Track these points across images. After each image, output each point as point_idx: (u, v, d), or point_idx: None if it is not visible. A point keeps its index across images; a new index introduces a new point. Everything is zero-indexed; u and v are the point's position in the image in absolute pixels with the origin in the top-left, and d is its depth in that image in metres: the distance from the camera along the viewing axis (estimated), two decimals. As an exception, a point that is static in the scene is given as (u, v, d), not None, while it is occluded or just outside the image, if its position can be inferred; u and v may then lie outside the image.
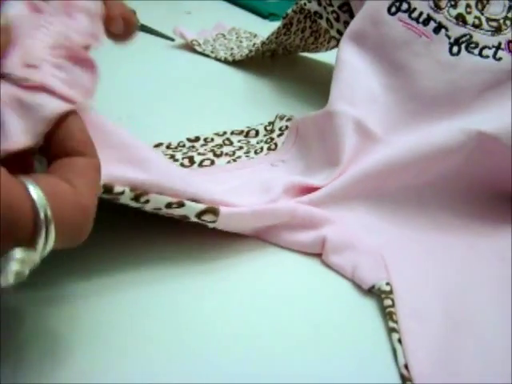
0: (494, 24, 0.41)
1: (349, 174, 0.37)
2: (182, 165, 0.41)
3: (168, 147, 0.43)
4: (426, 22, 0.41)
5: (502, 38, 0.40)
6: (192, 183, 0.31)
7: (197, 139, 0.45)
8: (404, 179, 0.38)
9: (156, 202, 0.29)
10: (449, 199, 0.38)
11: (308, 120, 0.44)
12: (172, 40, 0.73)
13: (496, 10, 0.42)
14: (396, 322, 0.29)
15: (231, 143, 0.46)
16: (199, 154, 0.42)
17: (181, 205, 0.30)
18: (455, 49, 0.41)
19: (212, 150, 0.43)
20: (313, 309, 0.31)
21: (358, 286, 0.32)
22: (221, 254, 0.33)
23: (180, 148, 0.43)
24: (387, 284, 0.31)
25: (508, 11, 0.41)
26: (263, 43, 0.62)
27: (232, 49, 0.71)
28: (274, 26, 0.85)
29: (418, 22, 0.41)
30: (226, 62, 0.67)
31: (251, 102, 0.58)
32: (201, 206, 0.30)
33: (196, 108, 0.55)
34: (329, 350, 0.28)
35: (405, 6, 0.42)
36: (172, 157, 0.41)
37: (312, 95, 0.59)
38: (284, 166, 0.42)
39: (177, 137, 0.46)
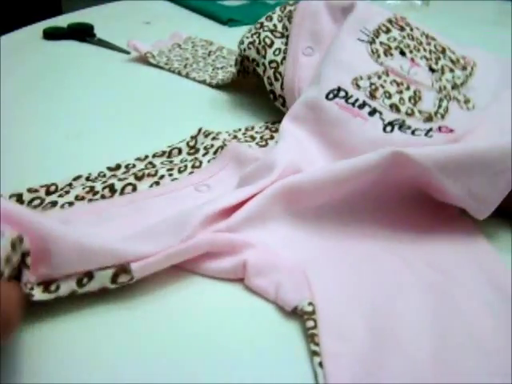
0: (425, 115, 0.45)
1: (263, 194, 0.37)
2: (103, 196, 0.39)
3: (88, 179, 0.42)
4: (361, 106, 0.44)
5: (434, 124, 0.44)
6: (92, 246, 0.30)
7: (118, 167, 0.44)
8: (321, 196, 0.38)
9: (67, 287, 0.29)
10: (369, 210, 0.38)
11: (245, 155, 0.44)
12: (127, 53, 0.73)
13: (427, 105, 0.45)
14: (318, 344, 0.29)
15: (153, 166, 0.44)
16: (119, 179, 0.41)
17: (90, 277, 0.30)
18: (388, 128, 0.43)
19: (133, 174, 0.42)
20: (235, 335, 0.30)
21: (282, 309, 0.32)
22: (144, 287, 0.32)
23: (100, 178, 0.42)
24: (309, 304, 0.31)
25: (439, 107, 0.45)
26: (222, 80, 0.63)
27: (187, 59, 0.70)
28: (232, 31, 0.86)
29: (353, 106, 0.44)
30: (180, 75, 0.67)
31: (204, 116, 0.57)
32: (109, 272, 0.30)
33: (146, 125, 0.54)
34: (251, 377, 0.28)
35: (342, 93, 0.45)
36: (91, 189, 0.40)
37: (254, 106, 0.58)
38: (208, 193, 0.41)
39: (124, 155, 0.45)
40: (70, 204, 0.38)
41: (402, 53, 0.49)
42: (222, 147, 0.45)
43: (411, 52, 0.49)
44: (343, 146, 0.43)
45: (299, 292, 0.32)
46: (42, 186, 0.40)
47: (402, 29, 0.51)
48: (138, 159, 0.45)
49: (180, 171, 0.43)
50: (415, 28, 0.52)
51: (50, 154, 0.48)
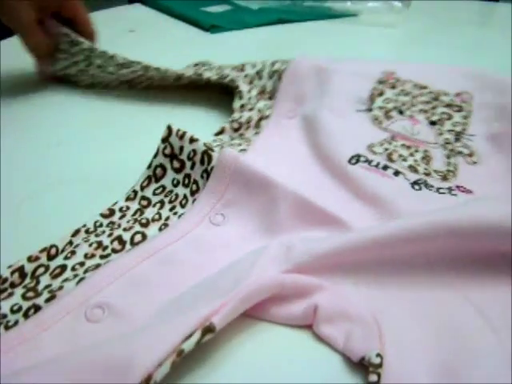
0: (441, 174, 0.46)
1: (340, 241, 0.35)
2: (114, 250, 0.37)
3: (88, 232, 0.39)
4: (384, 168, 0.45)
5: (451, 183, 0.45)
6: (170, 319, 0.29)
7: (112, 213, 0.41)
8: (398, 250, 0.36)
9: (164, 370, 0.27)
10: (443, 261, 0.36)
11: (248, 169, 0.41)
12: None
13: (439, 165, 0.47)
14: None
15: (148, 201, 0.42)
16: (125, 229, 0.38)
17: (180, 352, 0.27)
18: (416, 186, 0.44)
19: (136, 220, 0.40)
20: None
21: (350, 361, 0.31)
22: (211, 343, 0.31)
23: (100, 229, 0.39)
24: (377, 355, 0.29)
25: (448, 165, 0.47)
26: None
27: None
28: (215, 38, 0.87)
29: (377, 168, 0.45)
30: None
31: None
32: (196, 338, 0.28)
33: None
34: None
35: (363, 158, 0.46)
36: (99, 244, 0.37)
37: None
38: (226, 225, 0.39)
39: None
40: (82, 264, 0.36)
41: (401, 112, 0.52)
42: (206, 153, 0.42)
43: (408, 109, 0.52)
44: (381, 199, 0.42)
45: (369, 342, 0.30)
46: (41, 251, 0.36)
47: (393, 86, 0.54)
48: (128, 199, 0.42)
49: (182, 205, 0.41)
50: (405, 81, 0.55)
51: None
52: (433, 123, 0.51)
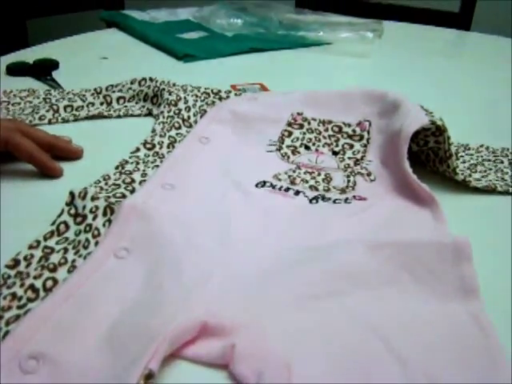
0: (340, 189, 0.53)
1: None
2: (29, 299, 0.37)
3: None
4: (286, 190, 0.52)
5: (349, 195, 0.52)
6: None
7: (17, 263, 0.41)
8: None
9: None
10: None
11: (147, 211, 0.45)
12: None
13: (338, 183, 0.54)
14: None
15: (52, 249, 0.42)
16: (35, 277, 0.39)
17: None
18: (314, 201, 0.51)
19: (43, 267, 0.40)
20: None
21: None
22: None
23: (10, 281, 0.39)
24: None
25: (348, 182, 0.54)
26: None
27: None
28: (187, 67, 0.88)
29: (280, 190, 0.52)
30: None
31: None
32: None
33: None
34: None
35: (268, 184, 0.53)
36: (14, 296, 0.37)
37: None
38: (131, 256, 0.41)
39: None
40: (0, 318, 0.36)
41: (307, 147, 0.59)
42: (108, 207, 0.45)
43: (314, 144, 0.60)
44: (276, 216, 0.48)
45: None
46: None
47: (301, 126, 0.61)
48: (31, 247, 0.42)
49: (85, 247, 0.42)
50: (312, 120, 0.61)
51: None
52: (335, 153, 0.58)
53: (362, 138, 0.59)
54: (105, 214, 0.45)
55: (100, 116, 0.69)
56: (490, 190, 0.56)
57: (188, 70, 0.91)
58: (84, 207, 0.46)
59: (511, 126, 0.73)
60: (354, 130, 0.60)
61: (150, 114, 0.70)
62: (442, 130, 0.54)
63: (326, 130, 0.60)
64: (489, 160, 0.63)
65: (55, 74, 0.82)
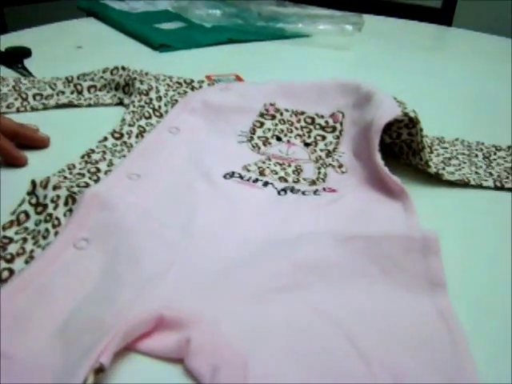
0: (310, 181, 0.53)
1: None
2: None
3: None
4: (255, 181, 0.51)
5: (319, 187, 0.52)
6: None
7: None
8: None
9: None
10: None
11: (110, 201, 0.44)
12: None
13: (309, 175, 0.53)
14: None
15: (10, 239, 0.41)
16: None
17: None
18: (282, 192, 0.50)
19: (0, 257, 0.39)
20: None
21: None
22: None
23: None
24: None
25: (318, 174, 0.54)
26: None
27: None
28: (163, 57, 0.87)
29: (248, 181, 0.51)
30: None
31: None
32: (90, 381, 0.29)
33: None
34: None
35: (236, 175, 0.52)
36: None
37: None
38: (89, 248, 0.40)
39: None
40: None
41: (279, 138, 0.58)
42: (70, 196, 0.44)
43: (286, 135, 0.58)
44: (243, 207, 0.47)
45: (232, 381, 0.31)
46: None
47: (273, 117, 0.60)
48: None
49: (44, 237, 0.41)
50: (284, 111, 0.60)
51: None
52: (307, 145, 0.57)
53: (334, 129, 0.58)
54: (66, 203, 0.44)
55: (70, 105, 0.67)
56: (463, 184, 0.55)
57: (164, 60, 0.89)
58: (45, 196, 0.44)
59: (489, 120, 0.73)
60: (326, 122, 0.59)
61: (121, 103, 0.68)
62: (414, 121, 0.53)
63: (299, 121, 0.59)
64: (463, 154, 0.62)
65: (27, 63, 0.81)
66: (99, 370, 0.30)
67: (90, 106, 0.68)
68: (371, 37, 1.09)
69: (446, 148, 0.63)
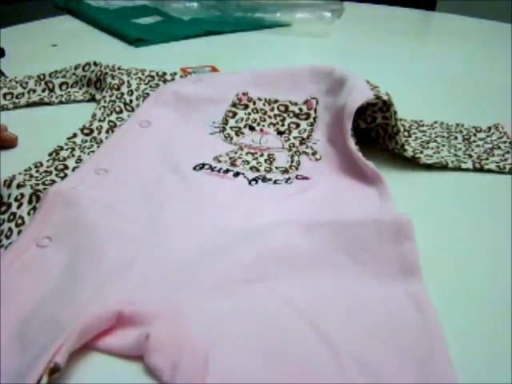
0: (282, 169, 0.51)
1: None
2: None
3: None
4: (226, 172, 0.50)
5: (291, 175, 0.50)
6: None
7: None
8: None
9: None
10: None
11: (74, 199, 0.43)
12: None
13: (282, 163, 0.52)
14: None
15: None
16: None
17: None
18: (253, 182, 0.49)
19: None
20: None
21: None
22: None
23: None
24: None
25: (291, 162, 0.52)
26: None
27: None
28: (140, 52, 0.86)
29: (219, 172, 0.50)
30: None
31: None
32: (44, 381, 0.28)
33: None
34: None
35: (207, 166, 0.51)
36: None
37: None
38: (52, 246, 0.39)
39: None
40: None
41: (252, 128, 0.57)
42: (34, 194, 0.43)
43: (259, 124, 0.57)
44: (212, 199, 0.46)
45: (190, 380, 0.30)
46: None
47: (246, 107, 0.59)
48: None
49: (7, 237, 0.40)
50: (257, 99, 0.59)
51: None
52: (280, 133, 0.56)
53: (308, 116, 0.57)
54: (30, 201, 0.43)
55: (42, 103, 0.66)
56: (441, 167, 0.54)
57: (141, 54, 0.88)
58: (9, 196, 0.43)
59: (472, 104, 0.72)
60: (300, 109, 0.58)
61: (93, 99, 0.67)
62: (388, 104, 0.52)
63: (272, 109, 0.58)
64: (442, 136, 0.61)
65: (1, 62, 0.79)
66: (54, 370, 0.29)
67: (61, 103, 0.66)
68: (352, 23, 1.08)
69: (425, 131, 0.61)
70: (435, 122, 0.64)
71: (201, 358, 0.30)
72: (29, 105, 0.65)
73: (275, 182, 0.49)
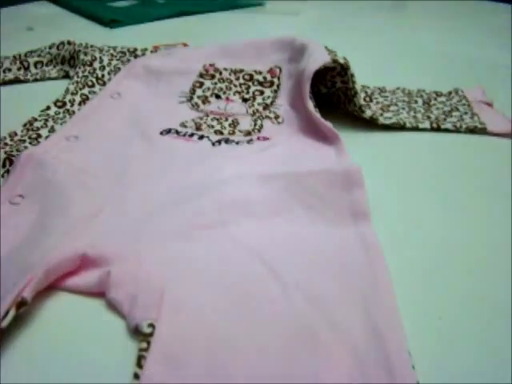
0: (245, 132, 0.54)
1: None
2: None
3: None
4: (191, 136, 0.52)
5: (253, 137, 0.53)
6: None
7: None
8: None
9: None
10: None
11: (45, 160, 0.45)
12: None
13: (245, 127, 0.55)
14: (142, 367, 0.28)
15: None
16: None
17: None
18: (216, 144, 0.51)
19: None
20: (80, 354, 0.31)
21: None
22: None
23: None
24: (149, 325, 0.30)
25: (254, 125, 0.55)
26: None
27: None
28: (115, 34, 0.87)
29: (184, 136, 0.52)
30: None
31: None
32: (12, 314, 0.30)
33: None
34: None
35: (173, 131, 0.53)
36: None
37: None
38: (24, 204, 0.41)
39: None
40: None
41: (218, 96, 0.59)
42: (8, 159, 0.46)
43: (224, 93, 0.60)
44: (176, 159, 0.48)
45: (147, 310, 0.32)
46: None
47: (212, 77, 0.61)
48: None
49: None
50: (223, 70, 0.62)
51: None
52: (245, 100, 0.58)
53: (272, 84, 0.59)
54: (4, 165, 0.46)
55: (17, 81, 0.68)
56: (399, 127, 0.56)
57: (115, 35, 0.90)
58: None
59: (438, 72, 0.74)
60: (264, 77, 0.60)
61: (67, 76, 0.69)
62: (345, 68, 0.55)
63: (238, 78, 0.60)
64: (403, 101, 0.63)
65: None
66: (21, 304, 0.31)
67: (36, 80, 0.68)
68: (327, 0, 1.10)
69: (387, 96, 0.64)
70: (397, 88, 0.67)
71: (157, 291, 0.33)
72: (5, 83, 0.67)
73: (237, 143, 0.51)
